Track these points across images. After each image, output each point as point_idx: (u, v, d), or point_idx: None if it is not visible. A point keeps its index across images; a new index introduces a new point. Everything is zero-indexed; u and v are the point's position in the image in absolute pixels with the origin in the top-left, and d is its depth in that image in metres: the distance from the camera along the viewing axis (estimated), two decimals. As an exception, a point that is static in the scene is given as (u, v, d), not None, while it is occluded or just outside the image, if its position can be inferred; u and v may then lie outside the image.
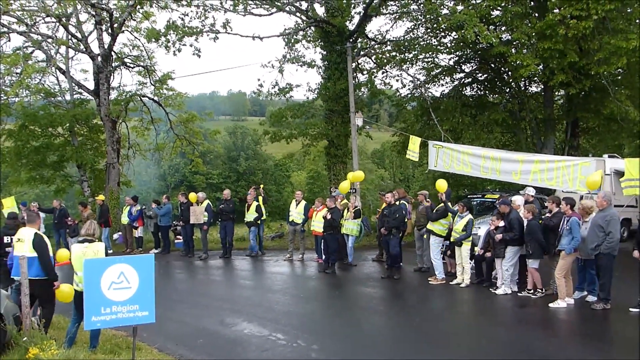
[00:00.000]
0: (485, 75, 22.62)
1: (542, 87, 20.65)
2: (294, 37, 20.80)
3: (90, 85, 21.46)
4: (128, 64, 22.30)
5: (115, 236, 18.64)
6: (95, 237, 7.27)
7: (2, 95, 20.75)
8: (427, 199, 12.64)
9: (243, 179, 63.84)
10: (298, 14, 20.50)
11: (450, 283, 11.45)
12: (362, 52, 21.55)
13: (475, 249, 11.35)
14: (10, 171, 22.74)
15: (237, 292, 12.07)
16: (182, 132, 23.68)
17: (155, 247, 17.19)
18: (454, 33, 19.85)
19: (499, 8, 18.19)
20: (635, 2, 16.48)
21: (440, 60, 22.58)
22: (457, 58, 22.33)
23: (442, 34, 21.24)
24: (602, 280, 9.11)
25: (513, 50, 18.48)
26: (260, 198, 15.97)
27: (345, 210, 13.82)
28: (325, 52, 20.52)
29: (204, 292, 11.95)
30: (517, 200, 10.92)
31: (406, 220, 13.52)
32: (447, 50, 21.64)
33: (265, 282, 13.08)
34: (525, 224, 10.27)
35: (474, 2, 18.74)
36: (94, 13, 20.08)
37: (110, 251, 16.32)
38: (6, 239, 8.64)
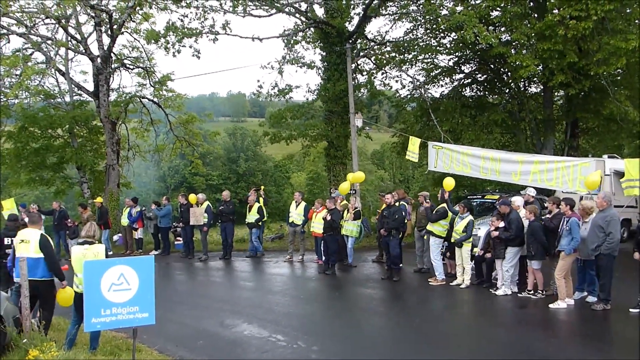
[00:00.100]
0: (484, 76, 22.63)
1: (542, 87, 20.66)
2: (294, 38, 20.80)
3: (90, 86, 21.47)
4: (127, 66, 22.31)
5: (115, 238, 18.64)
6: (95, 239, 7.28)
7: (1, 96, 20.76)
8: (427, 200, 12.63)
9: (243, 180, 63.94)
10: (297, 15, 20.50)
11: (451, 284, 11.44)
12: (361, 53, 21.55)
13: (475, 249, 11.34)
14: (10, 173, 22.73)
15: (237, 293, 12.07)
16: (181, 133, 23.69)
17: (155, 249, 17.18)
18: (453, 34, 19.86)
19: (498, 9, 18.20)
20: (635, 2, 16.49)
21: (440, 61, 22.61)
22: (456, 59, 22.34)
23: (442, 34, 21.25)
24: (602, 280, 9.11)
25: (512, 50, 18.49)
26: (261, 199, 15.98)
27: (345, 212, 13.82)
28: (324, 53, 20.52)
29: (204, 294, 11.95)
30: (517, 201, 10.92)
31: (406, 221, 13.52)
32: (447, 51, 21.65)
33: (265, 284, 13.08)
34: (526, 225, 10.27)
35: (474, 2, 18.76)
36: (93, 14, 20.09)
37: (110, 253, 16.32)
38: (6, 241, 8.63)
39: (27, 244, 7.37)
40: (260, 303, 10.69)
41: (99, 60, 20.36)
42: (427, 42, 21.55)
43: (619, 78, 19.08)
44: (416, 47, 21.35)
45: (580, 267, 9.81)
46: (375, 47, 22.29)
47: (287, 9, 19.93)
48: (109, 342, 7.66)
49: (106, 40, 20.46)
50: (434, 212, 12.03)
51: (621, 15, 17.00)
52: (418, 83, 22.57)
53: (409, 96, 23.58)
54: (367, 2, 20.03)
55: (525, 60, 16.62)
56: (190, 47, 19.67)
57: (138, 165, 27.71)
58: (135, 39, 21.80)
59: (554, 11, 16.80)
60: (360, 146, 28.91)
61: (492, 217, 11.11)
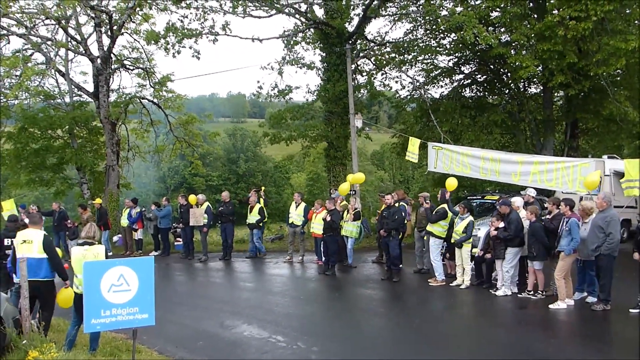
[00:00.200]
0: (484, 77, 22.63)
1: (542, 88, 20.66)
2: (293, 39, 20.81)
3: (90, 87, 21.49)
4: (127, 66, 22.33)
5: (115, 238, 18.64)
6: (95, 240, 7.28)
7: (1, 97, 20.77)
8: (427, 201, 12.63)
9: (243, 181, 63.98)
10: (297, 16, 20.50)
11: (450, 285, 11.44)
12: (361, 54, 21.57)
13: (474, 250, 11.34)
14: (10, 173, 22.74)
15: (237, 294, 12.06)
16: (181, 134, 23.71)
17: (155, 250, 17.18)
18: (453, 34, 19.88)
19: (498, 9, 18.21)
20: (634, 3, 16.50)
21: (440, 62, 22.63)
22: (456, 59, 22.34)
23: (441, 35, 21.26)
24: (603, 281, 9.10)
25: (512, 51, 18.49)
26: (262, 200, 15.97)
27: (345, 212, 13.82)
28: (324, 54, 20.53)
29: (203, 295, 11.95)
30: (517, 201, 10.91)
31: (406, 221, 13.52)
32: (447, 51, 21.65)
33: (265, 284, 13.07)
34: (526, 226, 10.27)
35: (473, 3, 18.77)
36: (93, 15, 20.11)
37: (110, 253, 16.30)
38: (6, 242, 8.63)
39: (30, 245, 7.37)
40: (260, 304, 10.68)
41: (98, 61, 20.37)
42: (427, 42, 21.56)
43: (618, 78, 19.09)
44: (416, 47, 21.36)
45: (580, 267, 9.81)
46: (375, 47, 22.32)
47: (286, 10, 19.94)
48: (109, 343, 7.66)
49: (106, 41, 20.49)
50: (433, 212, 12.02)
51: (621, 16, 17.01)
52: (418, 84, 22.60)
53: (408, 97, 23.60)
54: (366, 2, 20.04)
55: (525, 60, 16.62)
56: (190, 47, 19.70)
57: (138, 166, 27.74)
58: (135, 39, 21.86)
59: (554, 12, 16.80)
60: (360, 147, 28.95)
61: (492, 217, 11.11)
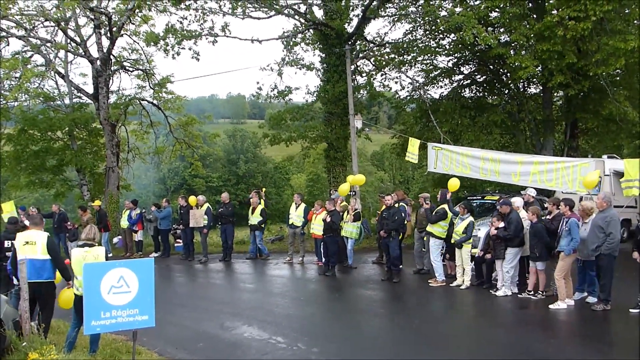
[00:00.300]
0: (484, 77, 22.65)
1: (541, 88, 20.68)
2: (293, 40, 20.80)
3: (90, 89, 21.52)
4: (127, 68, 22.36)
5: (115, 240, 18.65)
6: (95, 242, 7.28)
7: (1, 99, 20.77)
8: (427, 201, 12.63)
9: (243, 182, 63.96)
10: (297, 17, 20.51)
11: (451, 285, 11.44)
12: (360, 55, 21.57)
13: (474, 250, 11.34)
14: (10, 175, 22.75)
15: (237, 295, 12.06)
16: (181, 135, 23.73)
17: (155, 251, 17.18)
18: (452, 35, 19.90)
19: (497, 10, 18.23)
20: (633, 2, 16.51)
21: (439, 62, 22.66)
22: (455, 60, 22.36)
23: (441, 35, 21.28)
24: (603, 281, 9.10)
25: (512, 51, 18.51)
26: (262, 201, 15.96)
27: (345, 213, 13.82)
28: (324, 55, 20.53)
29: (203, 296, 11.95)
30: (517, 202, 10.91)
31: (405, 222, 13.52)
32: (446, 52, 21.67)
33: (265, 285, 13.07)
34: (526, 226, 10.27)
35: (472, 3, 18.78)
36: (92, 17, 20.13)
37: (110, 255, 16.31)
38: (6, 244, 8.63)
39: (33, 246, 7.37)
40: (261, 305, 10.68)
41: (98, 62, 20.38)
42: (426, 43, 21.58)
43: (618, 78, 19.11)
44: (415, 48, 21.38)
45: (580, 267, 9.81)
46: (375, 48, 22.32)
47: (286, 11, 19.94)
48: (109, 344, 7.66)
49: (105, 42, 20.51)
50: (433, 213, 12.02)
51: (620, 16, 17.03)
52: (417, 84, 22.61)
53: (408, 97, 23.61)
54: (366, 3, 20.04)
55: (525, 61, 16.63)
56: (190, 49, 19.68)
57: (138, 168, 27.72)
58: (134, 41, 21.90)
59: (553, 12, 16.82)
60: (360, 147, 28.99)
61: (492, 217, 11.10)
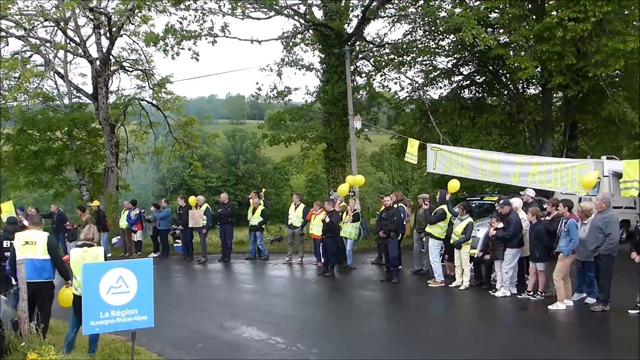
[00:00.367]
0: (483, 78, 22.68)
1: (540, 89, 20.72)
2: (292, 40, 20.83)
3: (89, 89, 21.51)
4: (126, 68, 22.36)
5: (114, 240, 18.64)
6: (94, 242, 7.28)
7: (0, 99, 20.76)
8: (426, 202, 12.63)
9: (242, 183, 63.90)
10: (296, 18, 20.53)
11: (450, 286, 11.44)
12: (360, 55, 21.59)
13: (473, 251, 11.33)
14: (9, 175, 22.73)
15: (236, 295, 12.05)
16: (180, 135, 23.72)
17: (154, 251, 17.16)
18: (452, 36, 19.94)
19: (496, 10, 18.26)
20: (633, 4, 16.53)
21: (439, 63, 22.70)
22: (455, 60, 22.39)
23: (440, 36, 21.33)
24: (602, 281, 9.10)
25: (511, 52, 18.54)
26: (262, 202, 15.95)
27: (344, 213, 13.81)
28: (323, 55, 20.55)
29: (203, 296, 11.93)
30: (515, 202, 10.91)
31: (404, 223, 13.51)
32: (445, 52, 21.70)
33: (265, 286, 13.07)
34: (525, 226, 10.27)
35: (472, 4, 18.81)
36: (92, 17, 20.12)
37: (109, 255, 16.29)
38: (5, 244, 8.62)
39: (34, 246, 7.36)
40: (260, 305, 10.68)
41: (97, 62, 20.38)
42: (426, 44, 21.63)
43: (617, 79, 19.14)
44: (415, 49, 21.41)
45: (579, 268, 9.81)
46: (374, 49, 22.34)
47: (285, 12, 19.95)
48: (108, 345, 7.64)
49: (105, 42, 20.51)
50: (432, 213, 12.02)
51: (619, 17, 17.06)
52: (417, 85, 22.64)
53: (407, 98, 23.63)
54: (365, 4, 20.05)
55: (524, 62, 16.65)
56: (189, 49, 19.71)
57: (137, 168, 27.71)
58: (134, 41, 21.88)
59: (553, 13, 16.85)
60: (359, 148, 28.95)
61: (491, 218, 11.10)
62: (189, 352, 7.85)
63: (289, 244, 15.47)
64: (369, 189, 43.39)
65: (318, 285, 12.71)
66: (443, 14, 18.44)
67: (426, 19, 19.59)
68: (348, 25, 20.44)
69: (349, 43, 19.86)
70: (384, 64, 22.47)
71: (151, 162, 26.76)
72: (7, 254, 8.22)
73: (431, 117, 20.14)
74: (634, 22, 17.21)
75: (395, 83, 23.76)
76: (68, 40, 20.89)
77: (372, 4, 19.71)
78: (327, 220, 13.19)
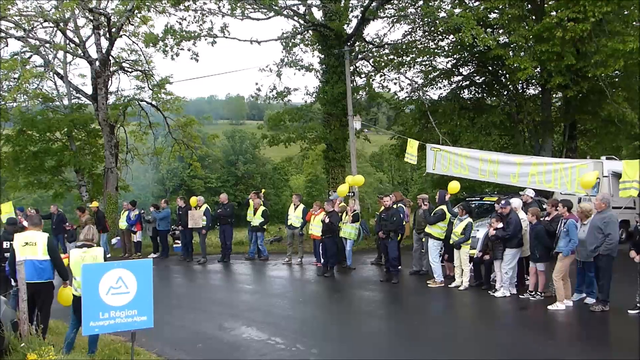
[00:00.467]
0: (483, 78, 22.68)
1: (540, 89, 20.72)
2: (292, 41, 20.81)
3: (88, 89, 21.51)
4: (126, 69, 22.37)
5: (114, 241, 18.64)
6: (94, 242, 7.28)
7: (0, 100, 20.75)
8: (426, 202, 12.63)
9: (241, 183, 63.92)
10: (296, 18, 20.51)
11: (449, 286, 11.44)
12: (359, 56, 21.58)
13: (472, 251, 11.34)
14: (8, 176, 22.73)
15: (235, 296, 12.05)
16: (180, 136, 23.73)
17: (154, 252, 17.16)
18: (451, 36, 19.94)
19: (496, 11, 18.25)
20: (632, 4, 16.54)
21: (438, 63, 22.70)
22: (454, 61, 22.39)
23: (440, 37, 21.32)
24: (601, 281, 9.11)
25: (510, 53, 18.53)
26: (262, 202, 15.95)
27: (344, 214, 13.81)
28: (323, 56, 20.53)
29: (202, 297, 11.93)
30: (514, 202, 10.91)
31: (404, 223, 13.50)
32: (445, 53, 21.71)
33: (264, 286, 13.07)
34: (525, 226, 10.28)
35: (471, 5, 18.81)
36: (91, 18, 20.13)
37: (109, 256, 16.29)
38: (5, 244, 8.61)
39: (34, 247, 7.36)
40: (259, 306, 10.68)
41: (97, 63, 20.38)
42: (425, 44, 21.63)
43: (616, 80, 19.14)
44: (414, 49, 21.41)
45: (579, 269, 9.81)
46: (374, 49, 22.34)
47: (285, 12, 19.93)
48: (108, 345, 7.65)
49: (104, 43, 20.53)
50: (432, 214, 12.02)
51: (619, 17, 17.07)
52: (416, 85, 22.64)
53: (407, 98, 23.63)
54: (365, 4, 20.05)
55: (523, 62, 16.66)
56: (189, 50, 19.67)
57: (136, 169, 27.71)
58: (133, 42, 21.88)
59: (552, 13, 16.85)
60: (359, 148, 28.95)
61: (491, 218, 11.10)
62: (188, 352, 7.85)
63: (289, 244, 15.47)
64: (368, 189, 43.40)
65: (318, 286, 12.71)
66: (442, 14, 18.42)
67: (425, 19, 19.57)
68: (347, 26, 20.43)
69: (349, 43, 19.85)
70: (383, 64, 22.48)
71: (151, 162, 26.76)
72: (7, 254, 8.21)
73: (430, 117, 20.13)
74: (634, 23, 17.20)
75: (395, 83, 23.81)
76: (67, 41, 20.89)
77: (372, 5, 19.70)
78: (327, 220, 13.20)
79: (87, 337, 6.86)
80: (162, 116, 23.07)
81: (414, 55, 21.62)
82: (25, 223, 10.78)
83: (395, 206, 12.76)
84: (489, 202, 15.01)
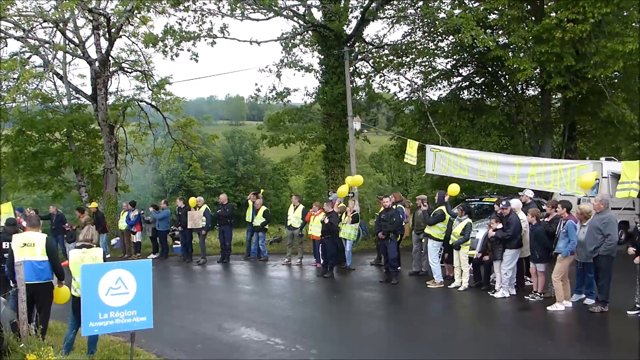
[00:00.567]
0: (482, 79, 22.70)
1: (539, 90, 20.73)
2: (292, 41, 20.82)
3: (88, 90, 21.50)
4: (125, 69, 22.37)
5: (113, 241, 18.62)
6: (93, 243, 7.28)
7: (-1, 100, 20.76)
8: (425, 203, 12.63)
9: (241, 184, 63.95)
10: (295, 19, 20.52)
11: (449, 287, 11.44)
12: (359, 56, 21.59)
13: (472, 252, 11.34)
14: (8, 177, 22.71)
15: (235, 296, 12.04)
16: (179, 136, 23.73)
17: (154, 252, 17.15)
18: (451, 37, 19.92)
19: (495, 12, 18.26)
20: (631, 5, 16.55)
21: (438, 64, 22.71)
22: (454, 62, 22.40)
23: (439, 37, 21.33)
24: (601, 282, 9.11)
25: (510, 53, 18.54)
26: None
27: (343, 214, 13.81)
28: (322, 57, 20.54)
29: (202, 297, 11.93)
30: (514, 203, 10.92)
31: (403, 224, 13.50)
32: (445, 54, 21.72)
33: (264, 287, 13.06)
34: (525, 227, 10.28)
35: (471, 5, 18.82)
36: (91, 18, 20.13)
37: (108, 256, 16.26)
38: (4, 245, 8.60)
39: (32, 248, 7.35)
40: (259, 306, 10.68)
41: (96, 63, 20.38)
42: (425, 45, 21.63)
43: (616, 81, 19.15)
44: (414, 50, 21.42)
45: (579, 269, 9.82)
46: (373, 50, 22.35)
47: (285, 13, 19.94)
48: (107, 346, 7.65)
49: (104, 43, 20.54)
50: (431, 215, 12.03)
51: (618, 18, 17.08)
52: (416, 86, 22.65)
53: (407, 99, 23.64)
54: (365, 5, 20.06)
55: (523, 63, 16.67)
56: (188, 50, 19.69)
57: (136, 169, 27.71)
58: (133, 42, 21.87)
59: (552, 14, 16.86)
60: (359, 149, 28.98)
61: (490, 219, 11.11)
62: (188, 353, 7.85)
63: (288, 245, 15.47)
64: (368, 190, 43.47)
65: (317, 286, 12.71)
66: (442, 15, 18.44)
67: (425, 20, 19.59)
68: (347, 27, 20.44)
69: (348, 44, 19.86)
70: (383, 65, 22.49)
71: (150, 163, 26.78)
72: (6, 255, 8.20)
73: (430, 118, 20.14)
74: (633, 24, 17.23)
75: (395, 84, 23.82)
76: (67, 41, 20.88)
77: (372, 5, 19.71)
78: (326, 221, 13.20)
79: (87, 337, 6.85)
80: (161, 116, 23.07)
81: (413, 56, 21.63)
82: (24, 223, 10.77)
83: (394, 207, 12.77)
84: (488, 203, 15.02)
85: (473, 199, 16.38)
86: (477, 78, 22.76)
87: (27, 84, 19.64)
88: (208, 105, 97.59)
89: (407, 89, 23.29)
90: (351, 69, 20.14)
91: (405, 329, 9.11)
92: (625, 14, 17.12)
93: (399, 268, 12.59)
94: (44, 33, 20.99)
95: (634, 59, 15.93)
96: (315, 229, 14.03)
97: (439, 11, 18.67)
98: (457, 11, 17.90)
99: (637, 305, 8.80)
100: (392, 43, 22.06)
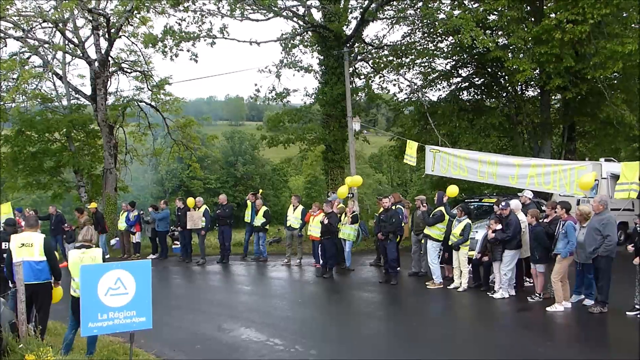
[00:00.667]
0: (482, 80, 22.69)
1: (539, 91, 20.73)
2: (291, 42, 20.80)
3: (87, 90, 21.50)
4: (125, 69, 22.36)
5: (113, 242, 18.62)
6: (92, 243, 7.27)
7: (-1, 101, 20.76)
8: (424, 204, 12.64)
9: (241, 184, 63.94)
10: (295, 19, 20.52)
11: (448, 287, 11.44)
12: (359, 57, 21.58)
13: (471, 253, 11.34)
14: (7, 177, 22.70)
15: (234, 297, 12.04)
16: (179, 137, 23.73)
17: (153, 253, 17.15)
18: (450, 37, 19.93)
19: (495, 13, 18.26)
20: (631, 6, 16.56)
21: (437, 65, 22.71)
22: (453, 62, 22.41)
23: (439, 38, 21.32)
24: (600, 283, 9.12)
25: (509, 54, 18.55)
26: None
27: (343, 215, 13.81)
28: (322, 57, 20.53)
29: (201, 298, 11.92)
30: (513, 204, 10.92)
31: (403, 224, 13.49)
32: (444, 54, 21.72)
33: (263, 287, 13.06)
34: (524, 228, 10.29)
35: (470, 6, 18.82)
36: (91, 18, 20.12)
37: (108, 256, 16.26)
38: (4, 245, 8.59)
39: (30, 248, 7.35)
40: (258, 307, 10.68)
41: (96, 64, 20.37)
42: (425, 45, 21.62)
43: (615, 82, 19.16)
44: (413, 50, 21.42)
45: (578, 270, 9.82)
46: (373, 50, 22.35)
47: (284, 13, 19.94)
48: (106, 346, 7.64)
49: (104, 43, 20.53)
50: (430, 215, 12.03)
51: (617, 19, 17.09)
52: (415, 87, 22.65)
53: (406, 100, 23.64)
54: (364, 5, 20.06)
55: (522, 64, 16.67)
56: (188, 51, 19.66)
57: (136, 169, 27.71)
58: (132, 42, 21.86)
59: (551, 15, 16.86)
60: (358, 150, 29.00)
61: (490, 220, 11.11)
62: (187, 353, 7.85)
63: (288, 245, 15.47)
64: (367, 190, 43.48)
65: (317, 287, 12.71)
66: (442, 15, 18.42)
67: (425, 20, 19.58)
68: (347, 27, 20.43)
69: (348, 45, 19.86)
70: (382, 65, 22.48)
71: (150, 163, 26.79)
72: (5, 255, 8.20)
73: (430, 118, 20.14)
74: (632, 25, 17.24)
75: (394, 85, 23.84)
76: (66, 42, 20.87)
77: (371, 6, 19.71)
78: (326, 221, 13.20)
79: (86, 338, 6.85)
80: (161, 117, 23.07)
81: (413, 57, 21.63)
82: (23, 224, 10.76)
83: (394, 207, 12.78)
84: (487, 204, 15.02)
85: (472, 200, 16.38)
86: (476, 79, 22.76)
87: (27, 84, 19.64)
88: (207, 106, 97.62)
89: (406, 90, 23.33)
90: (351, 69, 20.14)
91: (405, 329, 9.12)
92: (624, 15, 17.13)
93: (398, 269, 12.59)
94: (44, 33, 21.02)
95: (633, 60, 15.94)
96: (314, 230, 14.03)
97: (439, 12, 18.66)
98: (456, 12, 17.90)
99: (637, 306, 8.80)
100: (391, 44, 22.08)
